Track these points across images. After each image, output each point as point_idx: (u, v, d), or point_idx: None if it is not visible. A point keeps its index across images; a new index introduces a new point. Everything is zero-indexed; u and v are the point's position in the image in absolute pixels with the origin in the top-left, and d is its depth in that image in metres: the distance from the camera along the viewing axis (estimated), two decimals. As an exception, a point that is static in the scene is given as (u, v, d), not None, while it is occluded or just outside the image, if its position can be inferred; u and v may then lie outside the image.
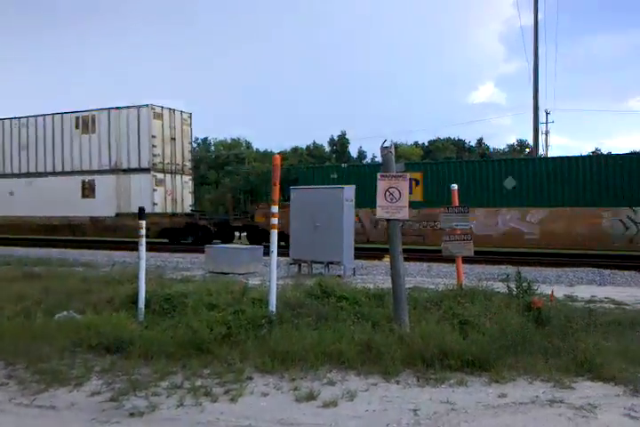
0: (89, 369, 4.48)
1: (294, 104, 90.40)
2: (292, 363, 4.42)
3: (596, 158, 16.64)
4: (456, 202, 7.26)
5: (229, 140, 54.50)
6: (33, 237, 23.31)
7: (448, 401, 3.74)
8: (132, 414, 3.60)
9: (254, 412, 3.63)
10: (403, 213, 5.37)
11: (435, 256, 11.58)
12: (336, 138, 51.51)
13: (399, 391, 3.97)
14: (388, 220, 5.41)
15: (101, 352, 4.86)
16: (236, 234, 21.76)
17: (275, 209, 5.65)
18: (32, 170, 24.01)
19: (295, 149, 49.90)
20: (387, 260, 8.85)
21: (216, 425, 3.47)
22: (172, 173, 22.04)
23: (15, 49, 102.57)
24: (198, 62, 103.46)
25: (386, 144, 5.50)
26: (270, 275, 5.55)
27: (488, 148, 51.38)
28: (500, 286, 6.74)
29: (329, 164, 37.48)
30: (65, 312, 6.01)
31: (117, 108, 22.43)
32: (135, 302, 5.95)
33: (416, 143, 51.35)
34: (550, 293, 6.43)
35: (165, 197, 21.99)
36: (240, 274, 10.01)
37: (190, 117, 22.99)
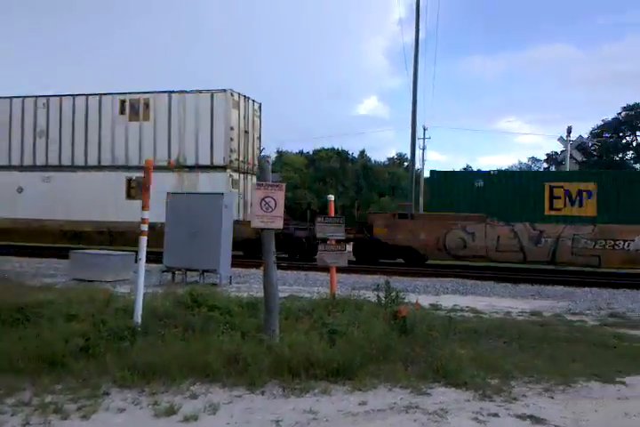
0: None
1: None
2: (153, 376, 4.25)
3: None
4: (332, 212, 7.41)
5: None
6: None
7: (311, 411, 3.77)
8: (-33, 437, 3.28)
9: (108, 429, 3.44)
10: (277, 222, 5.39)
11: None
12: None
13: (263, 402, 3.94)
14: (262, 229, 5.41)
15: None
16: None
17: (145, 215, 5.44)
18: (53, 162, 18.87)
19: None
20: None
21: (64, 445, 3.24)
22: (244, 172, 18.05)
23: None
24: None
25: (263, 153, 5.52)
26: (137, 283, 5.32)
27: (370, 160, 53.16)
28: (372, 295, 6.97)
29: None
30: None
31: (182, 91, 17.95)
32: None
33: (301, 152, 51.97)
34: (416, 302, 6.73)
35: (239, 202, 17.73)
36: (107, 282, 9.54)
37: (260, 108, 19.17)
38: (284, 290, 9.28)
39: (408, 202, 20.77)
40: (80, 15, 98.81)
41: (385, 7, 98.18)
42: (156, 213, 17.85)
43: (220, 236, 9.99)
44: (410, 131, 21.72)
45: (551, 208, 14.88)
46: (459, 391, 4.23)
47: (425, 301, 8.75)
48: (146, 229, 5.46)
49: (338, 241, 7.12)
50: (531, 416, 3.70)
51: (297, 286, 10.50)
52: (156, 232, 16.67)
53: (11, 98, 19.44)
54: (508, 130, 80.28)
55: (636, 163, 45.89)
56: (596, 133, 46.13)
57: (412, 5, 24.16)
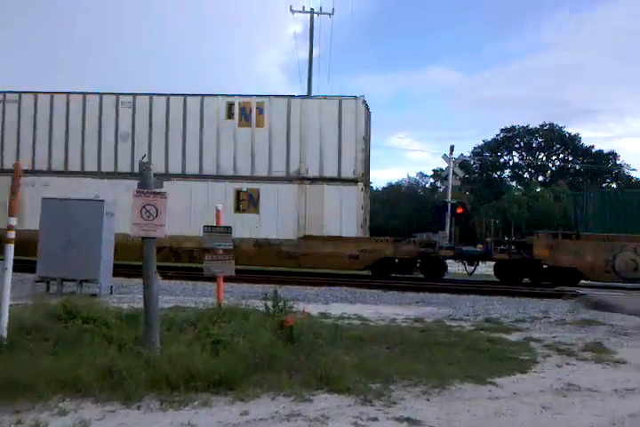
0: None
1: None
2: (19, 393, 3.92)
3: None
4: (220, 222, 7.28)
5: None
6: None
7: (189, 424, 3.63)
8: None
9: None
10: (159, 231, 5.20)
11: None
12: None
13: (139, 417, 3.75)
14: (143, 238, 5.19)
15: None
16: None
17: (12, 221, 5.03)
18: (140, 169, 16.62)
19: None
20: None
21: None
22: (365, 184, 16.92)
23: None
24: None
25: (144, 160, 5.35)
26: (2, 294, 4.90)
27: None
28: (261, 305, 6.89)
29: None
30: None
31: (304, 96, 16.94)
32: None
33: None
34: (302, 310, 6.74)
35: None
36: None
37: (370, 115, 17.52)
38: (170, 300, 8.99)
39: None
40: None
41: (281, 21, 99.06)
42: (269, 227, 15.80)
43: (100, 244, 9.49)
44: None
45: None
46: (341, 397, 4.26)
47: (314, 309, 8.82)
48: (13, 236, 5.03)
49: (225, 251, 7.00)
50: (408, 419, 3.80)
51: (184, 296, 10.21)
52: (277, 250, 15.53)
53: (84, 94, 16.87)
54: (400, 146, 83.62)
55: (512, 180, 49.48)
56: (477, 152, 49.29)
57: (308, 21, 24.60)
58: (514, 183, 48.83)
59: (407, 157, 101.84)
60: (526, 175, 49.64)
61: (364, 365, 5.00)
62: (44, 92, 17.10)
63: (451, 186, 20.71)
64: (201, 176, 16.32)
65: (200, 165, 16.37)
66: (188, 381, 4.22)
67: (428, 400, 4.25)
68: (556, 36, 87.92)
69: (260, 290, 10.74)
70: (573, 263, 15.13)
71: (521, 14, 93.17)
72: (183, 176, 16.20)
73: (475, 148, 49.91)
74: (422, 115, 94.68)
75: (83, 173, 16.66)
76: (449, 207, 19.12)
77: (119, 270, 11.12)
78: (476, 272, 16.46)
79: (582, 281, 15.41)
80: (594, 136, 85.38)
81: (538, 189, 42.06)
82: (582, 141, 49.06)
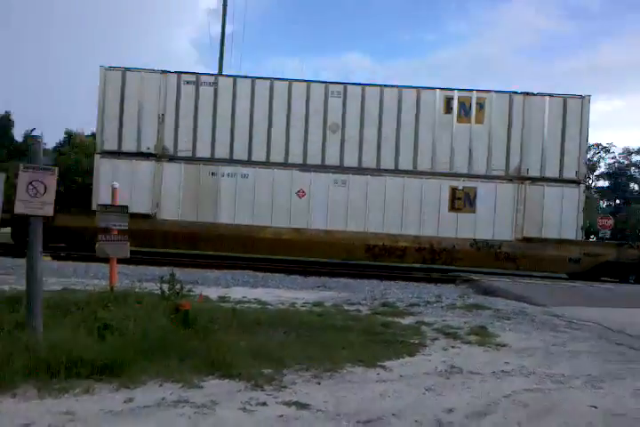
0: None
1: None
2: None
3: None
4: (117, 201, 6.98)
5: None
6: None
7: (68, 412, 3.47)
8: None
9: None
10: (46, 209, 4.89)
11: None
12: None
13: (13, 406, 3.54)
14: (28, 216, 4.87)
15: None
16: None
17: None
18: (350, 163, 15.97)
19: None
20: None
21: None
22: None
23: None
24: None
25: (35, 133, 4.99)
26: None
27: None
28: (158, 288, 6.69)
29: None
30: None
31: (527, 93, 15.87)
32: None
33: (94, 134, 48.50)
34: (199, 294, 6.63)
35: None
36: None
37: None
38: (60, 283, 8.56)
39: None
40: None
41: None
42: (485, 227, 15.72)
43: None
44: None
45: None
46: (232, 383, 4.23)
47: (214, 293, 8.72)
48: None
49: (120, 231, 6.72)
50: (296, 403, 3.84)
51: (75, 278, 9.76)
52: (494, 252, 15.30)
53: (290, 81, 16.31)
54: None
55: None
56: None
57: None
58: None
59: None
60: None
61: (258, 349, 4.99)
62: (261, 78, 16.62)
63: None
64: (415, 172, 16.12)
65: (414, 160, 16.12)
66: (70, 367, 4.03)
67: (319, 384, 4.32)
68: (470, 27, 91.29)
69: (157, 273, 10.50)
70: None
71: (436, 5, 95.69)
72: (393, 172, 16.11)
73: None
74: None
75: (285, 165, 16.35)
76: None
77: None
78: None
79: (474, 268, 16.15)
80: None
81: None
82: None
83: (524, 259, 15.76)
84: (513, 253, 15.84)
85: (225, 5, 23.69)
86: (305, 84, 16.42)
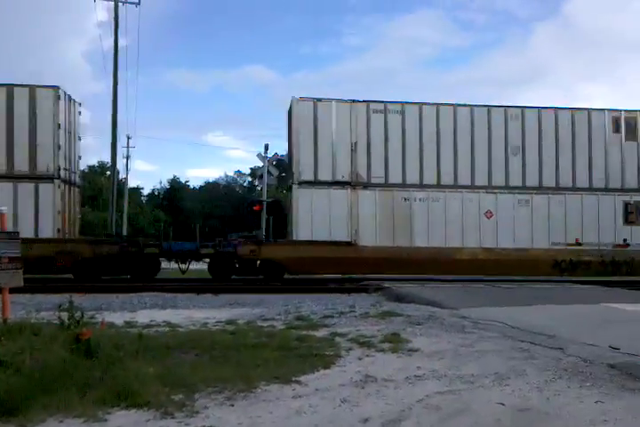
0: None
1: None
2: None
3: None
4: (5, 227, 6.52)
5: None
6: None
7: (-46, 463, 3.15)
8: None
9: None
10: None
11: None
12: None
13: None
14: None
15: None
16: None
17: None
18: (531, 183, 17.29)
19: None
20: None
21: None
22: None
23: None
24: None
25: None
26: None
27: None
28: (57, 317, 6.29)
29: None
30: None
31: None
32: None
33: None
34: (101, 321, 6.31)
35: None
36: None
37: None
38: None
39: None
40: None
41: (84, 8, 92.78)
42: None
43: None
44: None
45: None
46: (140, 412, 4.02)
47: (120, 318, 8.34)
48: None
49: (12, 259, 6.28)
50: (209, 428, 3.70)
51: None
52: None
53: (470, 106, 17.48)
54: (216, 144, 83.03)
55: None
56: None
57: (112, 9, 23.03)
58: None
59: (225, 154, 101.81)
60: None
61: (167, 375, 4.79)
62: (426, 104, 17.56)
63: (266, 184, 21.06)
64: (591, 189, 17.49)
65: (589, 178, 17.49)
66: (-43, 411, 3.68)
67: (232, 406, 4.19)
68: (368, 40, 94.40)
69: (57, 300, 9.88)
70: None
71: (335, 18, 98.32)
72: (572, 189, 17.46)
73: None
74: (238, 113, 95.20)
75: (472, 188, 17.32)
76: (265, 206, 19.52)
77: None
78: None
79: (385, 275, 16.59)
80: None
81: None
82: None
83: None
84: None
85: (117, 18, 23.03)
86: (485, 108, 17.57)
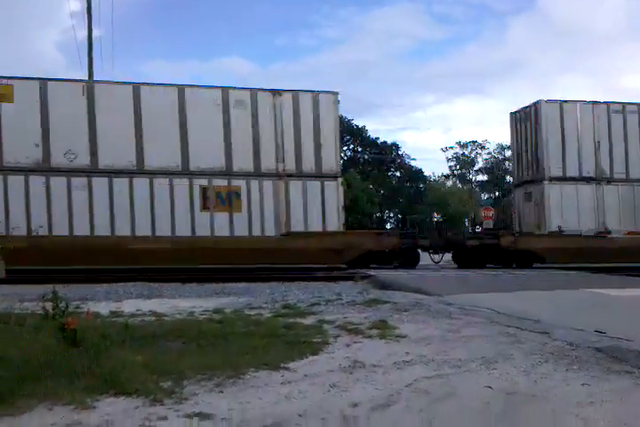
0: None
1: None
2: None
3: None
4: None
5: None
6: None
7: (-60, 452, 3.11)
8: None
9: None
10: None
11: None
12: None
13: None
14: None
15: None
16: None
17: None
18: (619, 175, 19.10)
19: None
20: None
21: None
22: None
23: None
24: None
25: None
26: None
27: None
28: (41, 308, 6.23)
29: None
30: None
31: None
32: None
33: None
34: (87, 310, 6.25)
35: None
36: None
37: None
38: None
39: None
40: None
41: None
42: None
43: None
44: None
45: None
46: (129, 400, 3.99)
47: (105, 308, 8.28)
48: None
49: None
50: (199, 414, 3.68)
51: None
52: None
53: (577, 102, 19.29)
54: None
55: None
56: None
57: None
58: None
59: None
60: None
61: (155, 363, 4.76)
62: None
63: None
64: None
65: None
66: (-59, 402, 3.63)
67: (222, 392, 4.18)
68: (344, 33, 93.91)
69: (41, 291, 9.78)
70: None
71: (312, 9, 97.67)
72: None
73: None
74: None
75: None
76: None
77: None
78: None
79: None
80: (378, 128, 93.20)
81: None
82: (369, 133, 53.17)
83: None
84: None
85: (89, 8, 22.62)
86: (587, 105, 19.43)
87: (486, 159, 56.24)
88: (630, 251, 17.98)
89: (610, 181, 19.22)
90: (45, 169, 15.67)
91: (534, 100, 19.52)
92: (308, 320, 7.35)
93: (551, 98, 19.27)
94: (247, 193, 16.94)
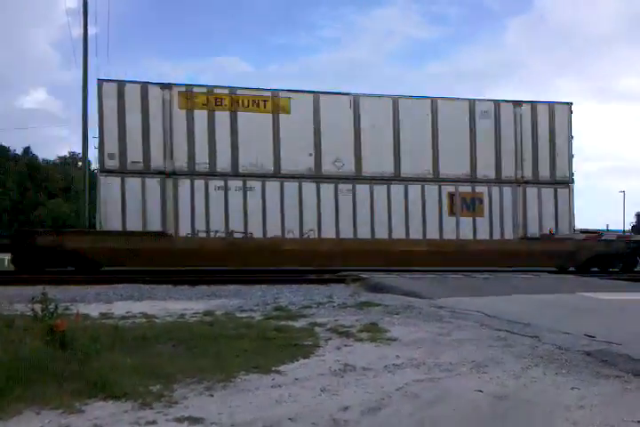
0: None
1: None
2: None
3: None
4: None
5: None
6: None
7: None
8: None
9: None
10: None
11: None
12: None
13: None
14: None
15: None
16: None
17: None
18: None
19: None
20: None
21: None
22: None
23: None
24: None
25: None
26: None
27: (37, 158, 48.58)
28: (30, 310, 6.16)
29: None
30: None
31: None
32: None
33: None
34: (76, 313, 6.21)
35: None
36: None
37: None
38: None
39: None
40: None
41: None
42: None
43: None
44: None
45: None
46: (118, 404, 3.96)
47: (95, 310, 8.23)
48: None
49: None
50: (189, 418, 3.66)
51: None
52: None
53: None
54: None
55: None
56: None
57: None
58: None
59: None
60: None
61: (145, 366, 4.73)
62: None
63: None
64: None
65: None
66: None
67: (212, 396, 4.15)
68: (341, 32, 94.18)
69: (30, 293, 9.70)
70: None
71: (308, 10, 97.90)
72: None
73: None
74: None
75: None
76: None
77: None
78: None
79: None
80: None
81: None
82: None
83: None
84: None
85: (85, 5, 22.53)
86: None
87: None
88: None
89: None
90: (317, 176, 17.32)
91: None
92: (300, 323, 7.34)
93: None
94: (489, 199, 18.25)
